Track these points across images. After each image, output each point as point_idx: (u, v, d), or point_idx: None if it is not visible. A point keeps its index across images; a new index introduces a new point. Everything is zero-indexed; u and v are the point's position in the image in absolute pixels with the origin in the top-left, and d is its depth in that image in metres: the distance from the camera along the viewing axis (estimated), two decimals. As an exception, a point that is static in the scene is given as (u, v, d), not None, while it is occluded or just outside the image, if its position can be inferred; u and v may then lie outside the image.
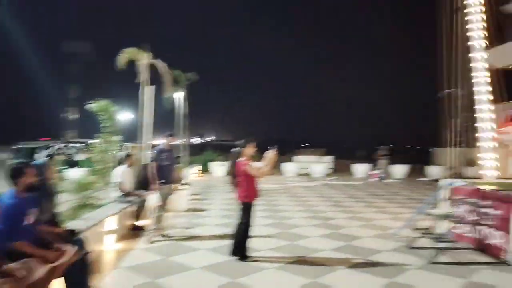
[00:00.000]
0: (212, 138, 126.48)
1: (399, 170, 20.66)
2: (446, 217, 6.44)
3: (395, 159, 22.28)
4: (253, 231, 5.70)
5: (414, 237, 6.56)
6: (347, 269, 5.24)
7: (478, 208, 6.14)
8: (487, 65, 9.07)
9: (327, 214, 9.43)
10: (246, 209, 5.52)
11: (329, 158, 25.35)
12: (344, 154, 34.95)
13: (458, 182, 7.13)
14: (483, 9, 9.20)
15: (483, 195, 6.15)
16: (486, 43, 9.23)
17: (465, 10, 9.47)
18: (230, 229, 6.18)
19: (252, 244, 5.72)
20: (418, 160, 26.12)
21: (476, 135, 9.51)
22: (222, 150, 25.18)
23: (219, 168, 20.65)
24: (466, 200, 6.44)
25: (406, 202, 11.78)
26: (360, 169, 21.56)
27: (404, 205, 11.13)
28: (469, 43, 9.48)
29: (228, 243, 5.79)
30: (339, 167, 24.58)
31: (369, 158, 22.76)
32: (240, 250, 5.53)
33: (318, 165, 22.57)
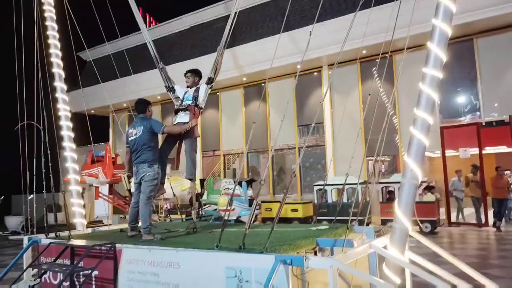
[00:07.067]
0: None
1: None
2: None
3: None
4: None
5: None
6: None
7: (74, 272, 4.87)
8: (68, 107, 8.74)
9: None
10: None
11: None
12: None
13: (44, 238, 5.64)
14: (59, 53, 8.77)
15: (77, 252, 5.11)
16: (66, 86, 8.89)
17: (49, 50, 8.76)
18: None
19: None
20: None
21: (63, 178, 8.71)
22: None
23: None
24: (56, 262, 5.18)
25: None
26: None
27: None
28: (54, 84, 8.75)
29: None
30: None
31: None
32: None
33: None
